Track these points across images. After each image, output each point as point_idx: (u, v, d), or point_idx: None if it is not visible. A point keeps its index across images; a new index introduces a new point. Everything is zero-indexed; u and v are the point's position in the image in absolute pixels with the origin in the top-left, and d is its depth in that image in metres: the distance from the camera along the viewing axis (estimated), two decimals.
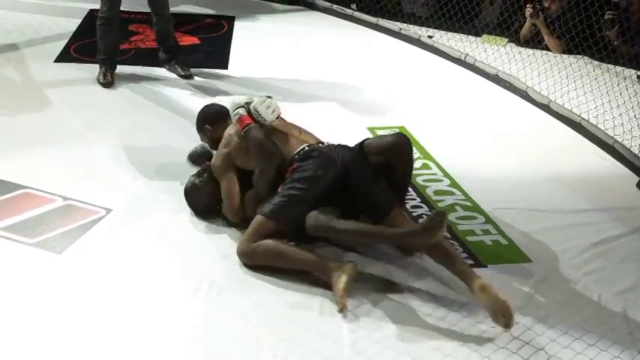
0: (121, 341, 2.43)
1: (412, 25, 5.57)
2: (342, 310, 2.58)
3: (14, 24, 5.28)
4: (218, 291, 2.68)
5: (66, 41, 5.05)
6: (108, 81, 4.39)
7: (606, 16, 4.88)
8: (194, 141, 3.60)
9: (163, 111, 4.14)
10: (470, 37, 5.40)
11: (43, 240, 2.91)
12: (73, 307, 2.57)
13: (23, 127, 3.85)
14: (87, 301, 2.60)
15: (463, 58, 5.07)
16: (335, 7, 6.04)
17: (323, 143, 3.06)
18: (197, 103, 4.24)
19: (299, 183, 2.86)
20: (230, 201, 3.03)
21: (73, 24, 5.33)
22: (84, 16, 5.48)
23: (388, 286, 2.75)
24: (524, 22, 5.35)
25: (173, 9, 5.85)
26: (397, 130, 3.61)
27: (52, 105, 4.13)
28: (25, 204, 3.14)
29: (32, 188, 3.24)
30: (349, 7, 6.00)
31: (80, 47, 4.91)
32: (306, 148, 2.97)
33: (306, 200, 2.84)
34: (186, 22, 5.63)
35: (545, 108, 4.43)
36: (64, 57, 4.82)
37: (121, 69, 4.54)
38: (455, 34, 5.41)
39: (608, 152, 3.95)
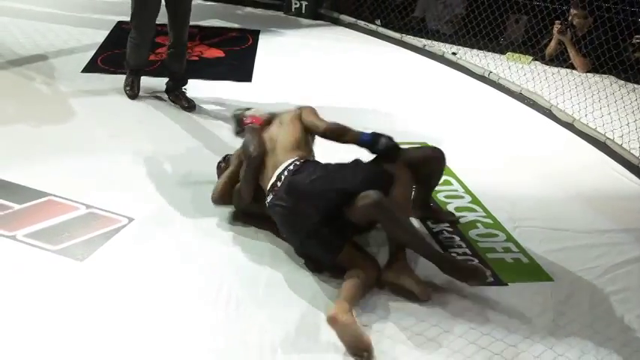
0: (139, 350, 2.44)
1: (436, 42, 5.57)
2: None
3: (43, 35, 5.37)
4: (237, 303, 2.68)
5: (93, 52, 5.12)
6: (134, 92, 4.43)
7: (634, 40, 4.85)
8: (217, 152, 3.62)
9: (187, 122, 4.18)
10: (494, 54, 5.39)
11: (65, 247, 2.94)
12: (94, 314, 2.59)
13: (49, 136, 3.90)
14: (107, 309, 2.62)
15: (487, 75, 5.06)
16: (359, 22, 6.07)
17: (286, 172, 2.93)
18: (220, 115, 4.30)
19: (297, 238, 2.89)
20: (220, 183, 3.19)
21: (100, 35, 5.41)
22: (112, 27, 5.56)
23: (399, 300, 2.73)
24: (550, 39, 5.33)
25: (200, 22, 5.95)
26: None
27: (78, 114, 4.19)
28: (48, 211, 3.17)
29: (56, 196, 3.28)
30: (374, 23, 6.02)
31: (107, 58, 4.98)
32: (271, 195, 2.92)
33: (322, 231, 2.78)
34: (212, 35, 5.69)
35: (570, 127, 4.39)
36: (91, 67, 4.89)
37: (146, 80, 4.59)
38: (479, 51, 5.40)
39: (632, 172, 3.91)
